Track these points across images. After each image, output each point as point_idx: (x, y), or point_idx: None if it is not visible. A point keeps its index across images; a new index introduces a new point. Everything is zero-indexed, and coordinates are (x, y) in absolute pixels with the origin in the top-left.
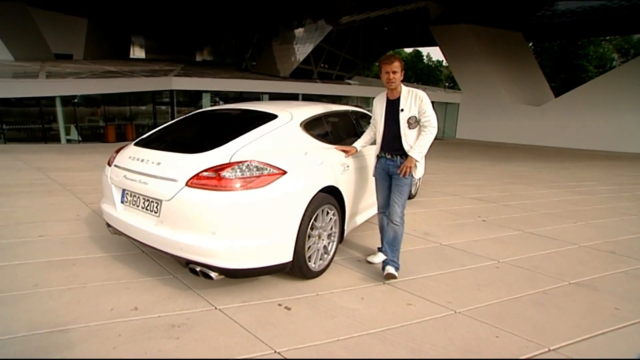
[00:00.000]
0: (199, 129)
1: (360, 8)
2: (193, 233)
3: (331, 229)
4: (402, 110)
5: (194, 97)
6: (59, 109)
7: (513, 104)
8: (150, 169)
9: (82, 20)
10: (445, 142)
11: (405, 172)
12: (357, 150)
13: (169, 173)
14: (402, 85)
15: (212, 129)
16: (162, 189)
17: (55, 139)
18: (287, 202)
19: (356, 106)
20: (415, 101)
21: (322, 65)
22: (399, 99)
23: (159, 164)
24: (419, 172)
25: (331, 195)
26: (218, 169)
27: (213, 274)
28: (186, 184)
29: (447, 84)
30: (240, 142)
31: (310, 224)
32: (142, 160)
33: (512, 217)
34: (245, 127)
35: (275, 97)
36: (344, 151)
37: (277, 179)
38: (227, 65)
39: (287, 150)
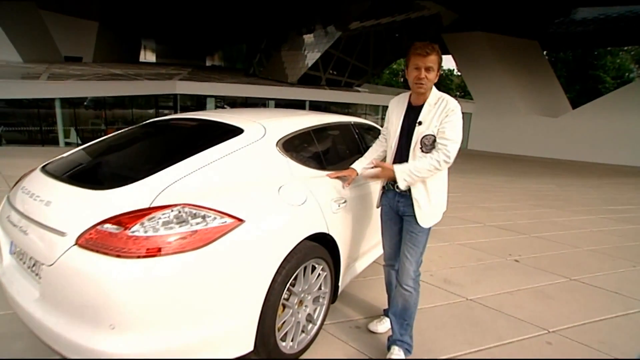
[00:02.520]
0: (130, 149)
1: (370, 14)
2: (80, 323)
3: (319, 288)
4: (419, 123)
5: (198, 102)
6: (58, 111)
7: (529, 114)
8: (36, 211)
9: (93, 23)
10: (457, 154)
11: (369, 175)
12: (357, 174)
13: (56, 220)
14: (434, 88)
15: (146, 150)
16: (43, 246)
17: (54, 141)
18: (245, 266)
19: (363, 115)
20: (442, 114)
21: (331, 71)
22: (422, 106)
23: (48, 203)
24: (427, 217)
25: (320, 245)
26: (127, 220)
27: None
28: (76, 242)
29: (457, 93)
30: (174, 173)
31: (286, 289)
32: (32, 196)
33: (549, 255)
34: (193, 148)
35: (281, 103)
36: (340, 178)
37: (228, 233)
38: (237, 70)
39: (251, 184)
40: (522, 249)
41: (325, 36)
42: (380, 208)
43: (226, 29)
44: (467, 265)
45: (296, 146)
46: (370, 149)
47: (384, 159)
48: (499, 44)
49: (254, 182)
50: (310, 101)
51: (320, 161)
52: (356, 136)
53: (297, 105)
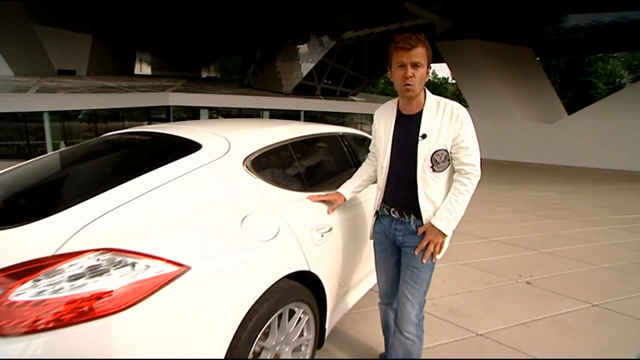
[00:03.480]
0: (57, 173)
1: (364, 23)
2: None
3: (301, 335)
4: (423, 136)
5: (192, 114)
6: (46, 125)
7: (525, 121)
8: None
9: (87, 36)
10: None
11: (427, 256)
12: (345, 200)
13: None
14: (426, 91)
15: (77, 173)
16: None
17: None
18: (193, 327)
19: (359, 124)
20: (451, 123)
21: (326, 81)
22: (420, 114)
23: None
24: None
25: (300, 285)
26: (8, 278)
27: None
28: None
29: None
30: (100, 205)
31: (255, 344)
32: None
33: (564, 275)
34: (133, 171)
35: (276, 113)
36: (323, 202)
37: (166, 286)
38: (232, 81)
39: (206, 216)
40: (532, 268)
41: (319, 46)
42: (374, 237)
43: (222, 40)
44: (474, 290)
45: (269, 164)
46: (359, 170)
47: (374, 182)
48: (493, 51)
49: (210, 213)
50: (305, 111)
51: (301, 181)
52: (345, 149)
53: (291, 115)
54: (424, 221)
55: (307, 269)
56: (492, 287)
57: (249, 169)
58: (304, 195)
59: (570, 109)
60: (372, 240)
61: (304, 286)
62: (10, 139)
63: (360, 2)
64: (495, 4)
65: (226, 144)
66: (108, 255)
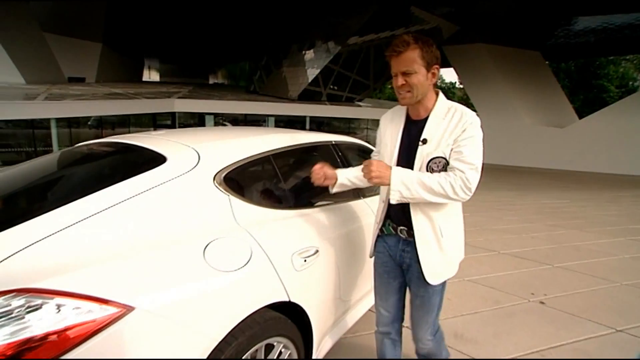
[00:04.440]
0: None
1: (369, 28)
2: None
3: None
4: (423, 141)
5: (198, 120)
6: (53, 132)
7: (534, 125)
8: None
9: (96, 44)
10: None
11: (366, 174)
12: (336, 181)
13: None
14: (440, 95)
15: (17, 194)
16: None
17: None
18: None
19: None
20: (455, 128)
21: (332, 86)
22: (426, 120)
23: None
24: (439, 271)
25: (280, 316)
26: None
27: None
28: None
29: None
30: (27, 233)
31: None
32: None
33: (581, 294)
34: (85, 188)
35: (281, 119)
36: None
37: (100, 333)
38: (239, 88)
39: (160, 243)
40: (546, 285)
41: (325, 51)
42: (374, 256)
43: (229, 47)
44: (482, 311)
45: (247, 179)
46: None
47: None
48: (501, 55)
49: (167, 240)
50: (311, 117)
51: (285, 197)
52: (339, 160)
53: (297, 120)
54: (416, 236)
55: (286, 299)
56: (501, 308)
57: (220, 185)
58: (288, 213)
59: (582, 113)
60: (371, 258)
61: (286, 317)
62: (19, 146)
63: (365, 7)
64: (501, 8)
65: (195, 156)
66: (24, 298)
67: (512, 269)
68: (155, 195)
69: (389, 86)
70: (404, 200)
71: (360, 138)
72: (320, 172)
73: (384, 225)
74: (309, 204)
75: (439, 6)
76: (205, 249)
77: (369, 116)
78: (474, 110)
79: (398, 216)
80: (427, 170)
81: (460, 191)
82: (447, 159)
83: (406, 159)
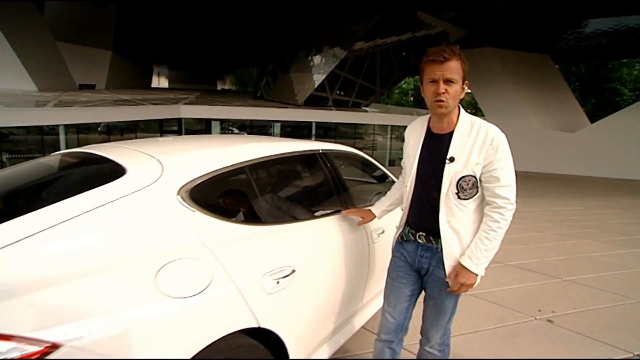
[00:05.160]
0: None
1: (375, 33)
2: None
3: None
4: (450, 159)
5: (206, 126)
6: (61, 138)
7: (543, 130)
8: None
9: (107, 52)
10: None
11: (457, 289)
12: (375, 217)
13: None
14: (460, 109)
15: None
16: None
17: None
18: None
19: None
20: (483, 147)
21: (338, 92)
22: (450, 135)
23: None
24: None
25: (253, 343)
26: None
27: None
28: None
29: (468, 111)
30: None
31: None
32: None
33: (594, 311)
34: (32, 204)
35: (287, 125)
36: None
37: None
38: (246, 93)
39: (104, 267)
40: (555, 301)
41: (330, 57)
42: (390, 261)
43: (237, 53)
44: (484, 329)
45: (217, 193)
46: (392, 188)
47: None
48: (509, 59)
49: (114, 263)
50: (316, 122)
51: (260, 213)
52: (326, 170)
53: (302, 126)
54: (445, 254)
55: (255, 325)
56: (505, 326)
57: (185, 200)
58: (264, 229)
59: (593, 117)
60: (367, 270)
61: (258, 344)
62: (29, 152)
63: (371, 12)
64: (509, 11)
65: (158, 168)
66: None
67: (518, 283)
68: (107, 213)
69: (397, 91)
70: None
71: (366, 144)
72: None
73: (404, 232)
74: (288, 219)
75: (446, 10)
76: (157, 272)
77: (375, 122)
78: (482, 116)
79: (416, 222)
80: (457, 189)
81: (510, 218)
82: (476, 176)
83: (432, 174)
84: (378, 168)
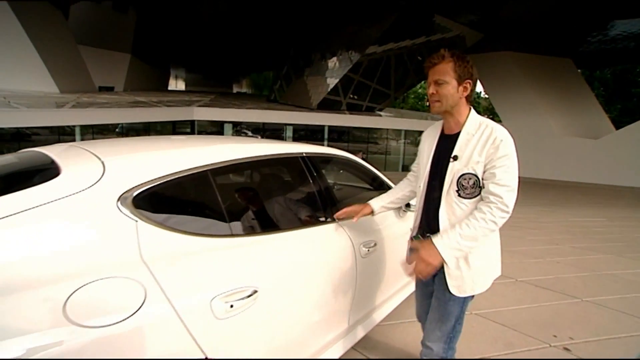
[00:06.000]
0: None
1: (389, 37)
2: None
3: None
4: (454, 157)
5: (219, 128)
6: (77, 138)
7: (564, 136)
8: None
9: (125, 55)
10: None
11: (410, 272)
12: (372, 212)
13: None
14: (472, 110)
15: None
16: None
17: None
18: None
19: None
20: (485, 146)
21: (352, 96)
22: (458, 134)
23: None
24: (463, 283)
25: None
26: None
27: None
28: None
29: (485, 116)
30: None
31: None
32: None
33: (620, 340)
34: None
35: (300, 128)
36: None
37: None
38: (261, 97)
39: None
40: (573, 326)
41: (344, 60)
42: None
43: (253, 56)
44: (489, 355)
45: (169, 200)
46: (395, 187)
47: (407, 203)
48: (528, 64)
49: (22, 283)
50: (329, 126)
51: (221, 224)
52: (309, 175)
53: (315, 130)
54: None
55: (202, 356)
56: (515, 353)
57: (128, 208)
58: (223, 242)
59: (619, 123)
60: (353, 288)
61: None
62: None
63: (386, 15)
64: (529, 14)
65: (99, 170)
66: None
67: (531, 302)
68: (26, 220)
69: (412, 96)
70: (463, 255)
71: (380, 148)
72: (349, 213)
73: (415, 235)
74: (254, 231)
75: (463, 14)
76: (69, 296)
77: (389, 126)
78: (499, 121)
79: (426, 225)
80: (457, 187)
81: (500, 219)
82: (477, 175)
83: (438, 174)
84: (373, 173)
